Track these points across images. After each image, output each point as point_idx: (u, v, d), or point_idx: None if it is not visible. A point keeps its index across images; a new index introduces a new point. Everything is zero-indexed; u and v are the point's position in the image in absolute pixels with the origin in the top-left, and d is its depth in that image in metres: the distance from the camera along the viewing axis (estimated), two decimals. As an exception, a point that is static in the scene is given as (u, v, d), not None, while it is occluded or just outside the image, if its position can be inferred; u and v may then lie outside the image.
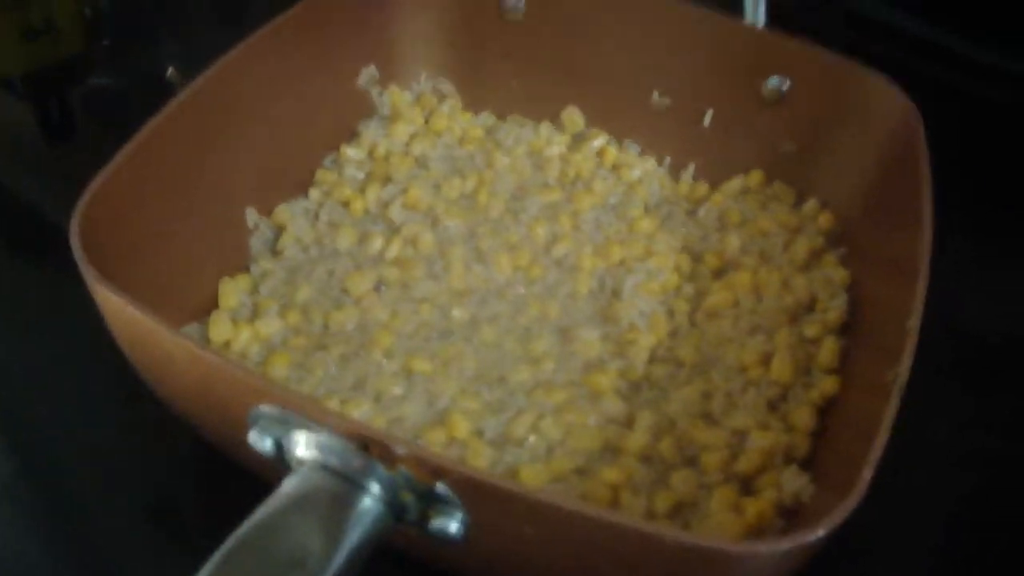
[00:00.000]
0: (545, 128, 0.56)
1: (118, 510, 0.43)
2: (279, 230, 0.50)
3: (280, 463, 0.34)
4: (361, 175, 0.53)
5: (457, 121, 0.56)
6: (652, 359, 0.46)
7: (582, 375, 0.45)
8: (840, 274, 0.47)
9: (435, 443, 0.41)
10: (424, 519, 0.32)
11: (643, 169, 0.54)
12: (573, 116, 0.56)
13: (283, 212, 0.50)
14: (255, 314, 0.46)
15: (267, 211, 0.50)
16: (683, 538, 0.29)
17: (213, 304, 0.46)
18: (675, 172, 0.54)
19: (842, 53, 0.49)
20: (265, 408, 0.33)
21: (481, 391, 0.44)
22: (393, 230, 0.50)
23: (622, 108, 0.55)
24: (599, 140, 0.55)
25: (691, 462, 0.41)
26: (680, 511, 0.40)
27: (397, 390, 0.43)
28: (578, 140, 0.55)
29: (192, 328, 0.45)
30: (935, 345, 0.38)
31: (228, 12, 0.75)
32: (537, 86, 0.56)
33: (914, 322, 0.37)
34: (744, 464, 0.41)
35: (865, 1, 0.65)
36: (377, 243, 0.49)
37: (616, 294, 0.48)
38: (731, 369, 0.44)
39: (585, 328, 0.46)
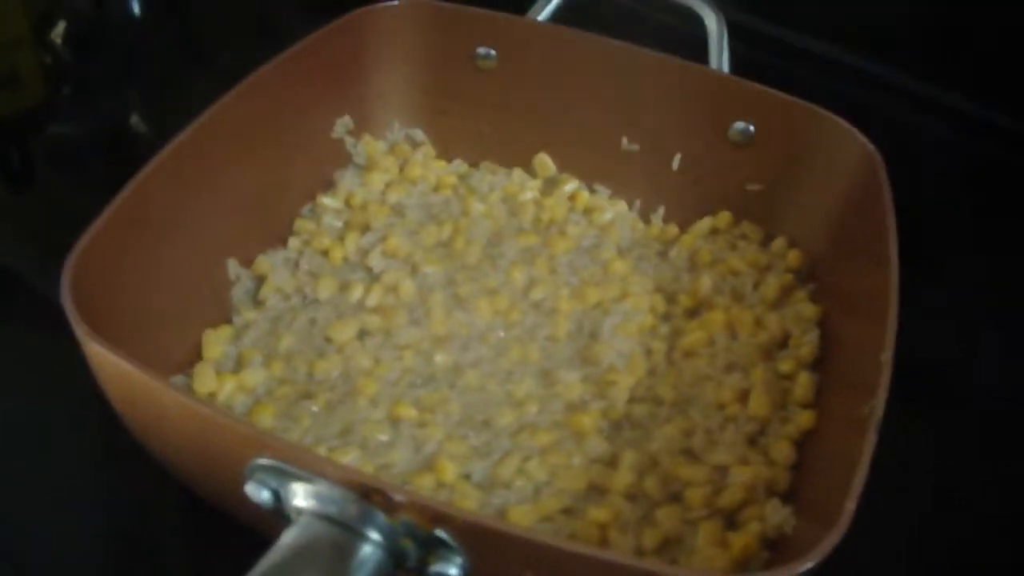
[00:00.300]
0: (517, 174, 0.57)
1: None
2: (260, 280, 0.50)
3: (277, 514, 0.34)
4: (339, 224, 0.53)
5: (431, 169, 0.57)
6: (632, 399, 0.47)
7: (565, 416, 0.45)
8: (811, 310, 0.49)
9: (423, 488, 0.42)
10: (423, 565, 0.33)
11: (614, 212, 0.55)
12: (544, 162, 0.57)
13: (263, 262, 0.50)
14: (239, 365, 0.46)
15: (247, 262, 0.50)
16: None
17: (196, 356, 0.47)
18: (645, 214, 0.56)
19: (803, 97, 0.51)
20: (262, 460, 0.33)
21: (467, 435, 0.44)
22: (373, 278, 0.51)
23: (592, 153, 0.56)
24: (571, 185, 0.56)
25: (675, 498, 0.42)
26: (667, 547, 0.41)
27: (384, 437, 0.44)
28: (550, 185, 0.57)
29: (177, 380, 0.45)
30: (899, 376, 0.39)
31: (190, 60, 0.76)
32: (509, 133, 0.57)
33: (887, 356, 0.39)
34: (727, 499, 0.42)
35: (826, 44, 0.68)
36: (358, 291, 0.50)
37: (594, 336, 0.49)
38: (710, 406, 0.45)
39: (565, 370, 0.47)
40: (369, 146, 0.56)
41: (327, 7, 0.76)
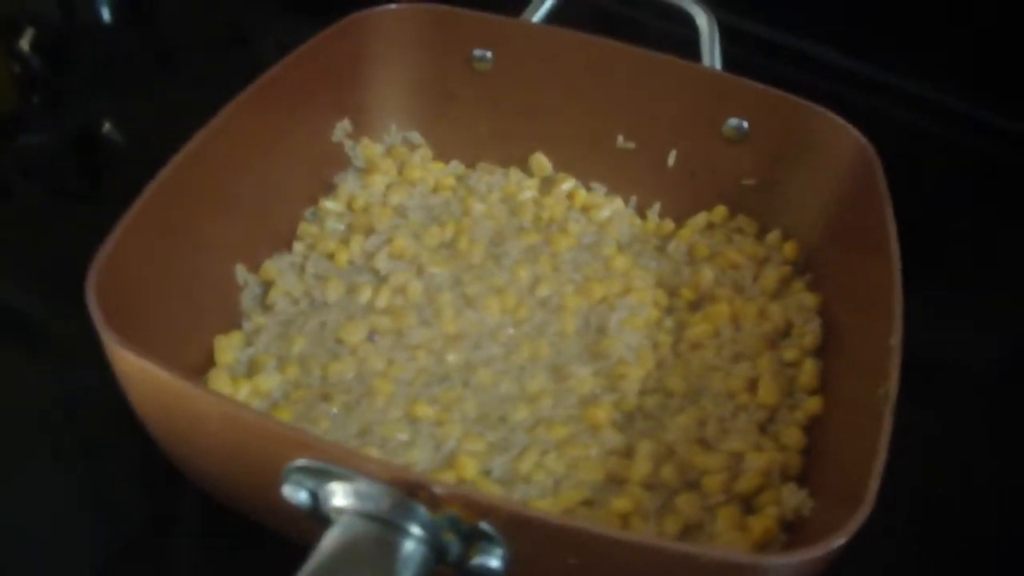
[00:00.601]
0: (514, 174, 0.58)
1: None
2: (267, 285, 0.50)
3: (312, 516, 0.34)
4: (342, 227, 0.54)
5: (430, 171, 0.57)
6: (643, 391, 0.48)
7: (578, 410, 0.46)
8: (811, 299, 0.50)
9: (446, 485, 0.42)
10: (465, 558, 0.33)
11: (612, 209, 0.56)
12: (541, 161, 0.58)
13: (270, 267, 0.51)
14: (252, 369, 0.47)
15: (254, 267, 0.50)
16: (731, 556, 0.31)
17: (207, 362, 0.47)
18: (641, 211, 0.57)
19: (796, 93, 0.53)
20: (301, 461, 0.34)
21: (484, 432, 0.45)
22: (380, 280, 0.51)
23: (588, 152, 0.57)
24: (568, 183, 0.57)
25: (693, 486, 0.43)
26: (688, 533, 0.42)
27: (403, 436, 0.45)
28: (547, 184, 0.58)
29: (192, 387, 0.45)
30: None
31: (161, 66, 0.75)
32: (505, 134, 0.58)
33: (896, 340, 0.40)
34: (744, 484, 0.43)
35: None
36: (366, 293, 0.50)
37: (602, 331, 0.50)
38: (720, 396, 0.47)
39: (576, 365, 0.48)
40: (368, 149, 0.57)
41: (297, 11, 0.77)
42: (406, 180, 0.57)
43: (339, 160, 0.56)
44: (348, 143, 0.56)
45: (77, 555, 0.43)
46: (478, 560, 0.33)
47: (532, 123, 0.57)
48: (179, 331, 0.45)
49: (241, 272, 0.50)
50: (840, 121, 0.51)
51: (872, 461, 0.35)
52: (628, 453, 0.45)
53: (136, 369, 0.36)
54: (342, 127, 0.56)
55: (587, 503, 0.43)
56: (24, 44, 0.77)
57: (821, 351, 0.48)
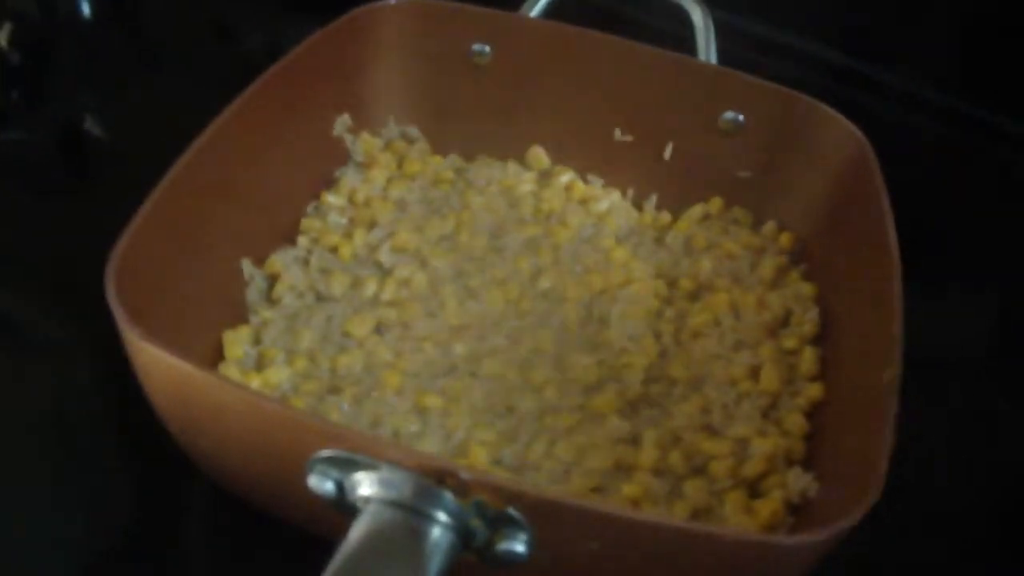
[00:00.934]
0: (512, 167, 0.58)
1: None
2: (272, 279, 0.51)
3: (337, 506, 0.35)
4: (344, 221, 0.54)
5: (428, 164, 0.58)
6: (646, 379, 0.48)
7: (584, 399, 0.47)
8: (808, 289, 0.51)
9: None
10: (491, 543, 0.34)
11: (610, 201, 0.57)
12: (538, 154, 0.59)
13: (276, 261, 0.51)
14: (261, 363, 0.47)
15: (259, 261, 0.51)
16: (752, 537, 0.32)
17: (214, 357, 0.47)
18: (638, 203, 0.58)
19: (791, 87, 0.54)
20: (326, 452, 0.34)
21: (493, 421, 0.46)
22: (384, 272, 0.52)
23: (585, 145, 0.58)
24: (566, 176, 0.58)
25: (699, 471, 0.44)
26: (697, 518, 0.43)
27: (413, 427, 0.45)
28: (545, 177, 0.58)
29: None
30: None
31: (143, 61, 0.75)
32: (503, 127, 0.58)
33: (897, 327, 0.41)
34: (750, 469, 0.44)
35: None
36: (371, 286, 0.51)
37: (603, 321, 0.51)
38: (722, 383, 0.48)
39: (579, 354, 0.49)
40: (367, 143, 0.57)
41: (282, 6, 0.77)
42: (406, 174, 0.57)
43: (340, 154, 0.56)
44: (348, 137, 0.57)
45: (69, 556, 0.43)
46: (504, 545, 0.34)
47: (530, 117, 0.58)
48: (188, 326, 0.45)
49: (247, 266, 0.50)
50: (834, 113, 0.52)
51: (880, 446, 0.36)
52: (635, 440, 0.46)
53: (158, 363, 0.36)
54: (342, 121, 0.56)
55: (597, 490, 0.44)
56: (2, 40, 0.76)
57: (820, 339, 0.49)
